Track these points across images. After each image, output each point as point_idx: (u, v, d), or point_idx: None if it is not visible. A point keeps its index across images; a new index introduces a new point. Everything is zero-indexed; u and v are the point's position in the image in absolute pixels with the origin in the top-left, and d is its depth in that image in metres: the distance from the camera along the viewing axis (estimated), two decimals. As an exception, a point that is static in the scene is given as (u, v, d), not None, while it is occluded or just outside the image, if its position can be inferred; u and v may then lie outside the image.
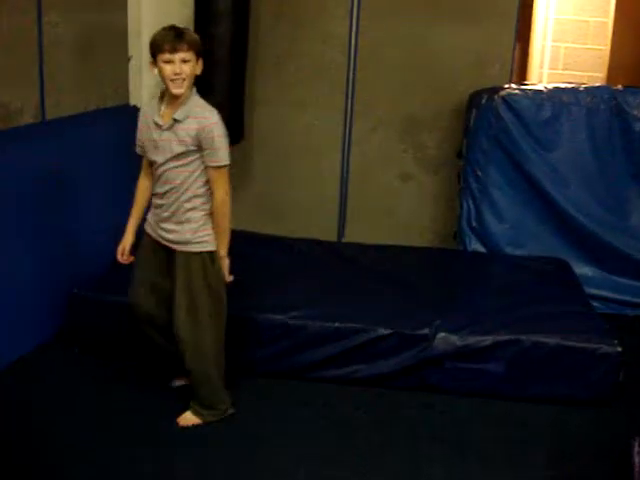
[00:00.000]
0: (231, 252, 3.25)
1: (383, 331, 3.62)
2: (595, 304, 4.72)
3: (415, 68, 5.31)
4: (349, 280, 4.28)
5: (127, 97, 5.02)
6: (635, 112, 4.85)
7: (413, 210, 5.47)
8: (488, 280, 4.42)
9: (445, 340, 3.58)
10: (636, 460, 2.58)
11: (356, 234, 5.44)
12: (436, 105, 5.34)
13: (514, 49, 5.34)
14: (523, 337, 3.59)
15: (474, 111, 4.97)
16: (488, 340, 3.57)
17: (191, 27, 4.88)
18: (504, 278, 4.44)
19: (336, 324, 3.67)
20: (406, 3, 5.22)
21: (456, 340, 3.58)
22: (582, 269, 4.88)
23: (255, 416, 3.43)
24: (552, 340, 3.61)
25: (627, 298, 4.90)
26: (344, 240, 5.53)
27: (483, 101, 4.91)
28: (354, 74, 5.31)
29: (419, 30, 5.22)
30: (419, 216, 5.47)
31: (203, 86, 4.88)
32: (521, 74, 8.39)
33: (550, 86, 5.05)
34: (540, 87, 5.02)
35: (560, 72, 8.15)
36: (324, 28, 5.30)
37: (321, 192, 5.54)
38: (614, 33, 7.62)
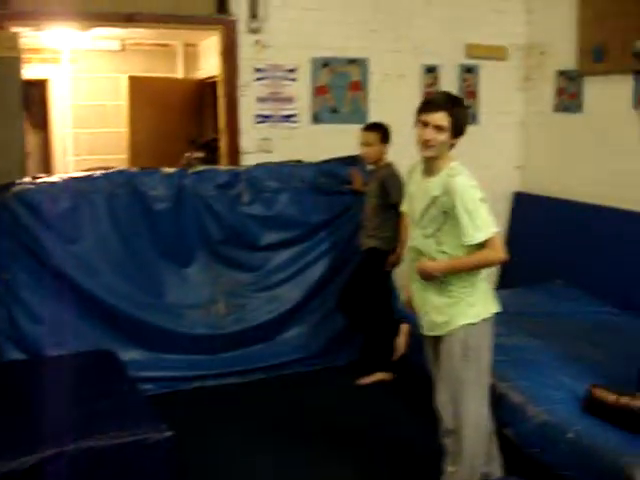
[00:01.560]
0: None
1: None
2: (149, 386, 4.73)
3: None
4: None
5: None
6: (153, 192, 4.98)
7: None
8: (28, 390, 4.06)
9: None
10: None
11: None
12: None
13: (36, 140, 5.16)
14: (68, 447, 3.32)
15: (-12, 211, 4.65)
16: (28, 461, 3.22)
17: None
18: (45, 385, 4.12)
19: None
20: None
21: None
22: (130, 354, 4.83)
23: None
24: (100, 442, 3.39)
25: (178, 374, 4.96)
26: None
27: (-4, 200, 4.63)
28: None
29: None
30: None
31: None
32: (47, 164, 8.24)
33: (66, 176, 4.99)
34: (55, 178, 4.91)
35: (85, 157, 8.16)
36: None
37: None
38: (130, 115, 7.84)
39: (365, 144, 4.94)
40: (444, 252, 3.16)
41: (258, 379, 5.11)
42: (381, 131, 4.92)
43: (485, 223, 3.07)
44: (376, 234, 4.94)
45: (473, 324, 3.19)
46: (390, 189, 4.82)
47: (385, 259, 4.92)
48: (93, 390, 4.02)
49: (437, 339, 3.31)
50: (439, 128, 3.07)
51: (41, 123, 8.57)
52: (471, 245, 3.09)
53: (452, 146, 3.17)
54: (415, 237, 3.30)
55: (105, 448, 3.40)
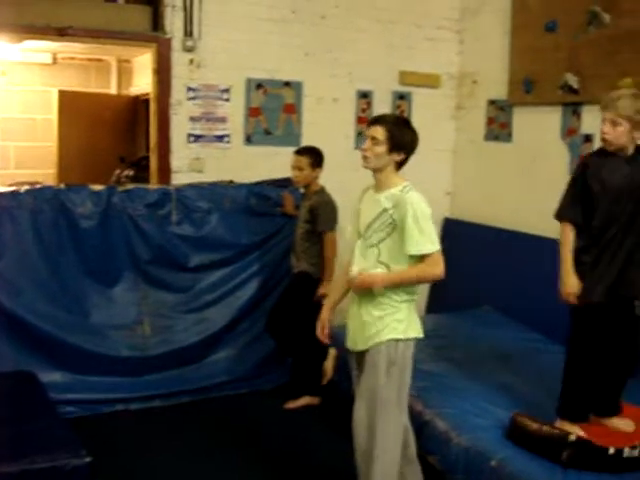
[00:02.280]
0: None
1: None
2: (70, 409, 4.62)
3: None
4: None
5: None
6: (80, 210, 4.88)
7: None
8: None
9: None
10: None
11: None
12: None
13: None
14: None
15: None
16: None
17: None
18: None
19: None
20: None
21: None
22: (52, 376, 4.69)
23: None
24: (16, 468, 3.26)
25: (100, 396, 4.83)
26: None
27: None
28: None
29: None
30: None
31: None
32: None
33: (-10, 191, 4.82)
34: (-23, 193, 4.75)
35: (13, 172, 7.96)
36: None
37: None
38: (59, 130, 7.69)
39: (296, 168, 4.91)
40: (383, 263, 3.21)
41: (184, 402, 5.02)
42: (312, 156, 4.88)
43: (432, 238, 3.15)
44: (305, 258, 4.91)
45: (399, 340, 3.21)
46: (318, 217, 4.81)
47: (315, 287, 4.88)
48: (10, 413, 3.90)
49: (362, 357, 3.31)
50: (374, 140, 3.21)
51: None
52: (412, 257, 3.15)
53: (398, 164, 3.26)
54: (357, 248, 3.32)
55: (21, 474, 3.28)
